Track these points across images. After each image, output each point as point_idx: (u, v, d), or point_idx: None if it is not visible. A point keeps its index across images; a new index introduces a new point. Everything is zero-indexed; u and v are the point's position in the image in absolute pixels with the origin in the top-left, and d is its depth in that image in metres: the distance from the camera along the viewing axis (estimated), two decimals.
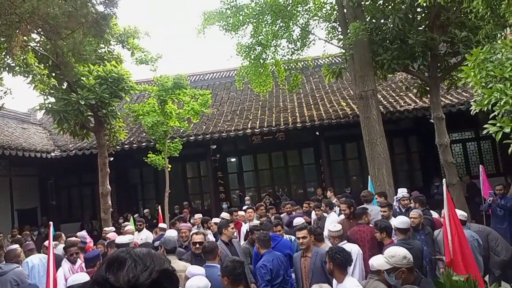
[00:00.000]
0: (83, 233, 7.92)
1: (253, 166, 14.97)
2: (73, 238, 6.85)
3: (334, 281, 3.73)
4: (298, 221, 6.58)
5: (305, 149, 14.43)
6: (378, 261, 3.43)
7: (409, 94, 12.27)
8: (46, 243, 7.09)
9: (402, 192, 7.22)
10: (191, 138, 12.30)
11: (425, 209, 6.36)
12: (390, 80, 13.36)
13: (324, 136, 12.69)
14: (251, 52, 10.26)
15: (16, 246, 5.88)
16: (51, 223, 6.35)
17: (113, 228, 8.14)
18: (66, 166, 13.07)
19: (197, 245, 4.96)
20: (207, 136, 12.38)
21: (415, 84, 10.31)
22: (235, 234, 6.12)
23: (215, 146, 12.99)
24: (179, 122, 11.21)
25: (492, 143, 13.03)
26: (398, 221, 4.89)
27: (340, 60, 12.26)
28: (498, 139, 4.25)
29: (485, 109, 4.39)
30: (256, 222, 7.02)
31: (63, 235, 7.51)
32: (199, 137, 12.37)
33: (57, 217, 12.80)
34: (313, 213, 7.58)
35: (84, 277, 4.07)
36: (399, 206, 7.07)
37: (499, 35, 7.60)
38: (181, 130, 12.29)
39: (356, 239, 5.50)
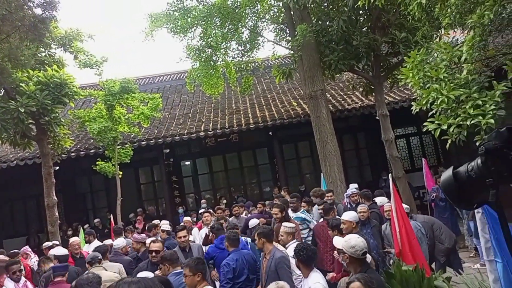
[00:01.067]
0: (26, 248, 7.49)
1: (208, 169, 14.85)
2: (1, 257, 6.44)
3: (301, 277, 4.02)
4: (254, 222, 6.64)
5: (259, 150, 14.54)
6: (337, 240, 4.03)
7: (356, 93, 12.78)
8: None
9: (352, 188, 7.50)
10: (143, 143, 11.97)
11: (372, 203, 6.67)
12: (338, 80, 13.83)
13: (277, 136, 12.87)
14: (201, 54, 10.18)
15: None
16: None
17: (50, 243, 7.72)
18: (7, 178, 12.19)
19: (154, 254, 5.01)
20: (160, 140, 12.11)
21: (361, 83, 10.75)
22: (189, 238, 6.04)
23: (168, 150, 12.73)
24: (129, 127, 10.89)
25: (433, 137, 13.86)
26: (349, 216, 5.09)
27: (290, 61, 12.51)
28: (437, 136, 4.56)
29: (425, 108, 4.70)
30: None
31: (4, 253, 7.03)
32: (151, 141, 12.06)
33: None
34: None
35: None
36: (349, 202, 7.34)
37: (435, 35, 8.16)
38: (132, 135, 11.93)
39: (319, 234, 5.66)
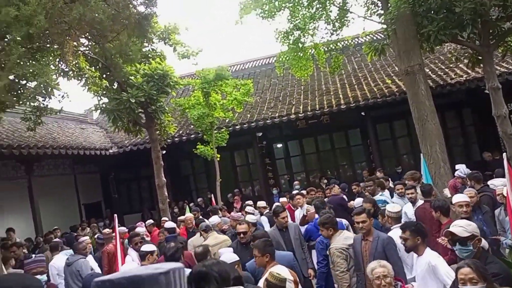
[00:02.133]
0: (140, 223, 8.57)
1: (299, 151, 15.00)
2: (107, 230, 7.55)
3: (410, 257, 3.99)
4: (358, 202, 6.51)
5: (351, 130, 14.19)
6: (456, 229, 3.26)
7: (460, 65, 11.61)
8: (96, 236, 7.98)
9: (460, 170, 6.96)
10: (237, 127, 12.54)
11: (483, 186, 6.06)
12: (438, 52, 12.69)
13: (370, 116, 12.40)
14: (289, 37, 10.17)
15: (85, 238, 6.42)
16: (115, 215, 6.90)
17: (151, 221, 8.77)
18: (124, 161, 13.89)
19: (241, 235, 5.27)
20: (252, 124, 12.55)
21: (466, 54, 9.72)
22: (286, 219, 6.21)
23: (261, 133, 13.15)
24: (224, 113, 11.47)
25: None
26: (465, 196, 4.79)
27: (382, 36, 11.84)
28: None
29: None
30: (307, 206, 7.10)
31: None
32: (245, 125, 12.57)
33: (119, 209, 13.65)
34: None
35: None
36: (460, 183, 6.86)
37: None
38: (227, 120, 12.56)
39: (421, 217, 5.41)
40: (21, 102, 7.05)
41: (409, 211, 5.97)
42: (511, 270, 3.58)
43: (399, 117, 12.84)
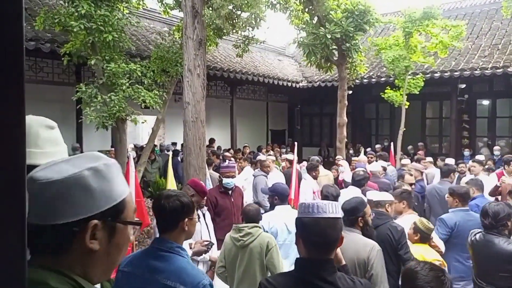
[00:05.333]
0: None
1: (510, 112, 12.58)
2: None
3: None
4: None
5: None
6: None
7: None
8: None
9: None
10: (436, 75, 11.26)
11: None
12: None
13: None
14: None
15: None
16: (295, 143, 7.50)
17: (340, 157, 8.91)
18: (311, 95, 14.52)
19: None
20: (456, 73, 11.03)
21: None
22: None
23: (464, 86, 11.49)
24: (424, 57, 10.39)
25: None
26: None
27: None
28: None
29: None
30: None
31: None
32: (446, 74, 11.17)
33: (300, 140, 14.65)
34: None
35: None
36: None
37: None
38: (425, 66, 11.38)
39: None
40: (234, 31, 8.02)
41: None
42: None
43: None
